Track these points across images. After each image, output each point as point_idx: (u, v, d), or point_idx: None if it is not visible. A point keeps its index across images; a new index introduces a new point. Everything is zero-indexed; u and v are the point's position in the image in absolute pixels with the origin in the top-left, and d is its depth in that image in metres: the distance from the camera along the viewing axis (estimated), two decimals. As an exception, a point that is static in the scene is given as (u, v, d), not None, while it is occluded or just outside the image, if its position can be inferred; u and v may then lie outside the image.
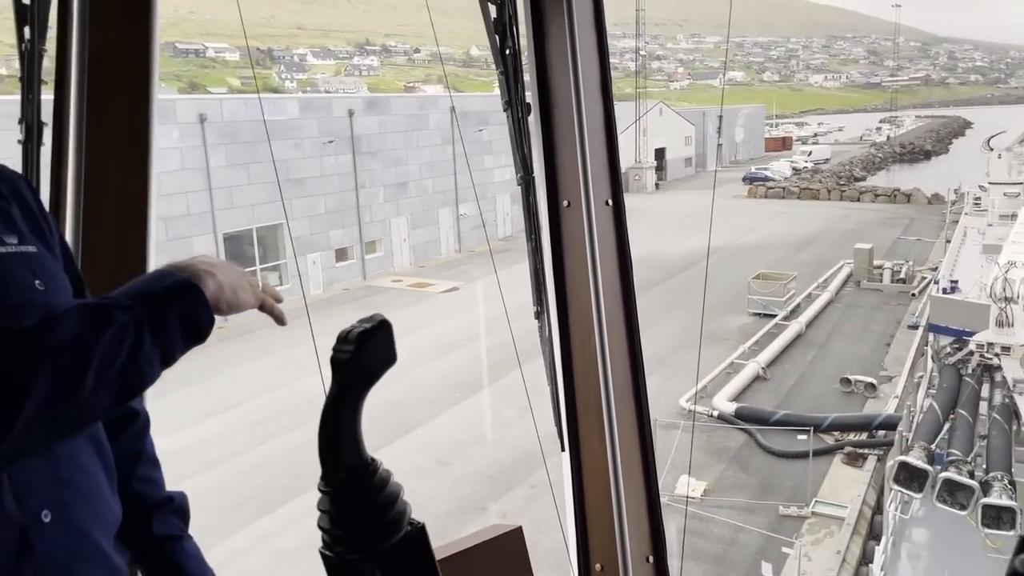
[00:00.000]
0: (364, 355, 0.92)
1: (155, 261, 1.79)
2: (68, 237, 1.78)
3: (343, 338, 0.93)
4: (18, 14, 1.86)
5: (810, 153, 67.02)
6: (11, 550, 1.01)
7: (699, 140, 62.68)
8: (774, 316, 22.63)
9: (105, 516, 1.17)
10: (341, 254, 29.73)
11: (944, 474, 10.32)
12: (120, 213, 1.80)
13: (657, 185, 52.70)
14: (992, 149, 20.88)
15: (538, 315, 2.56)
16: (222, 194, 24.62)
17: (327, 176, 28.78)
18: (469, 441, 15.45)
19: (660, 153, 56.08)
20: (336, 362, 0.92)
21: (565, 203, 2.41)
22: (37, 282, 1.11)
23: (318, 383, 1.08)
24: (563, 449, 2.24)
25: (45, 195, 1.62)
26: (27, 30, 1.86)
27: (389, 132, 31.22)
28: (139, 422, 1.36)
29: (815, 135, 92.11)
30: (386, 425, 14.78)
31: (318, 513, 0.96)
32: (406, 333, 16.19)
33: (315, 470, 0.92)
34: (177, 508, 1.36)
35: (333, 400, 0.91)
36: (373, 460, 0.94)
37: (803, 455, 14.35)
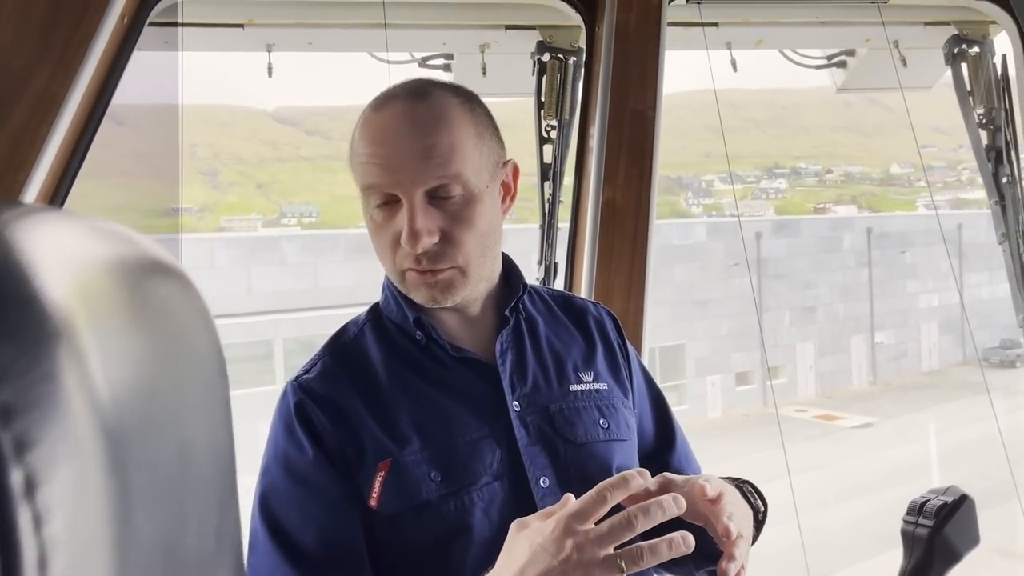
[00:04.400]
0: (945, 532, 0.84)
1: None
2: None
3: (917, 510, 0.87)
4: (542, 172, 2.22)
5: None
6: None
7: None
8: None
9: None
10: (742, 378, 29.10)
11: None
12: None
13: None
14: None
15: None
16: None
17: (732, 298, 28.76)
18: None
19: None
20: (910, 535, 0.86)
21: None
22: (602, 420, 1.17)
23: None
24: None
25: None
26: (547, 184, 2.21)
27: (797, 255, 30.33)
28: None
29: None
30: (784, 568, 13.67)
31: None
32: (808, 469, 15.06)
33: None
34: None
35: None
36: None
37: None
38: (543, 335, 1.22)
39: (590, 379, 1.20)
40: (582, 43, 2.22)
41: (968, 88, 2.49)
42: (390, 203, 1.06)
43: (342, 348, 1.18)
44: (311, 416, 1.08)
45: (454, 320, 1.17)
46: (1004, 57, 2.44)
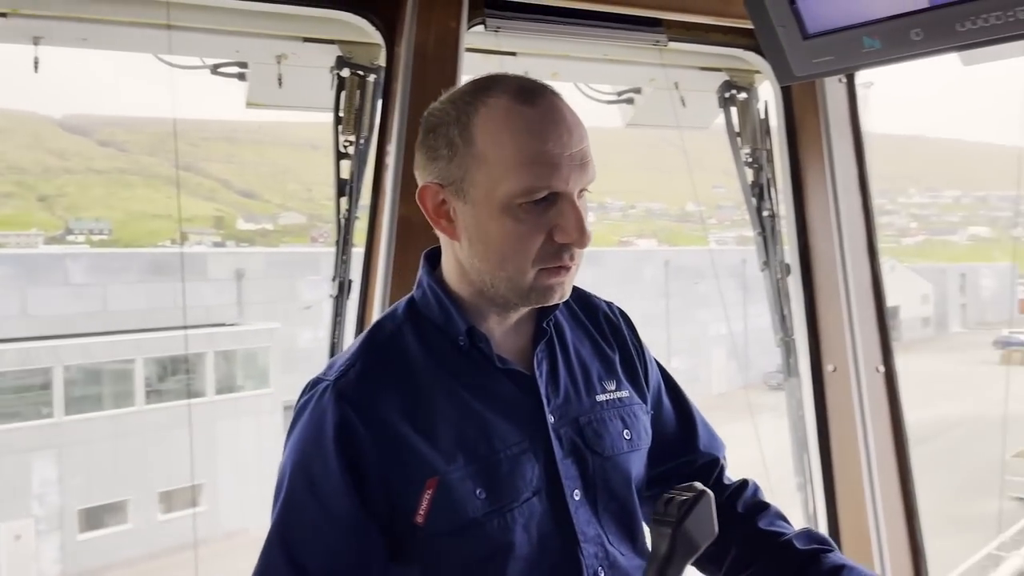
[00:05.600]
0: (686, 526, 0.91)
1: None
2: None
3: (663, 508, 0.93)
4: (339, 188, 2.18)
5: (1073, 319, 59.50)
6: None
7: (938, 299, 57.98)
8: (1039, 501, 19.55)
9: None
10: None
11: None
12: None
13: (889, 346, 48.89)
14: None
15: (801, 486, 2.40)
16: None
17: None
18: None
19: (893, 312, 52.47)
20: (657, 532, 0.91)
21: (831, 368, 2.30)
22: (625, 431, 1.22)
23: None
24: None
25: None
26: (343, 200, 2.17)
27: (603, 284, 31.89)
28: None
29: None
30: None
31: None
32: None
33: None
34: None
35: (659, 570, 0.89)
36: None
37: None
38: (571, 343, 1.24)
39: (613, 387, 1.23)
40: (382, 61, 2.22)
41: (737, 130, 2.75)
42: (542, 200, 1.06)
43: (380, 346, 1.15)
44: (353, 436, 1.05)
45: (499, 330, 1.17)
46: (766, 103, 2.72)
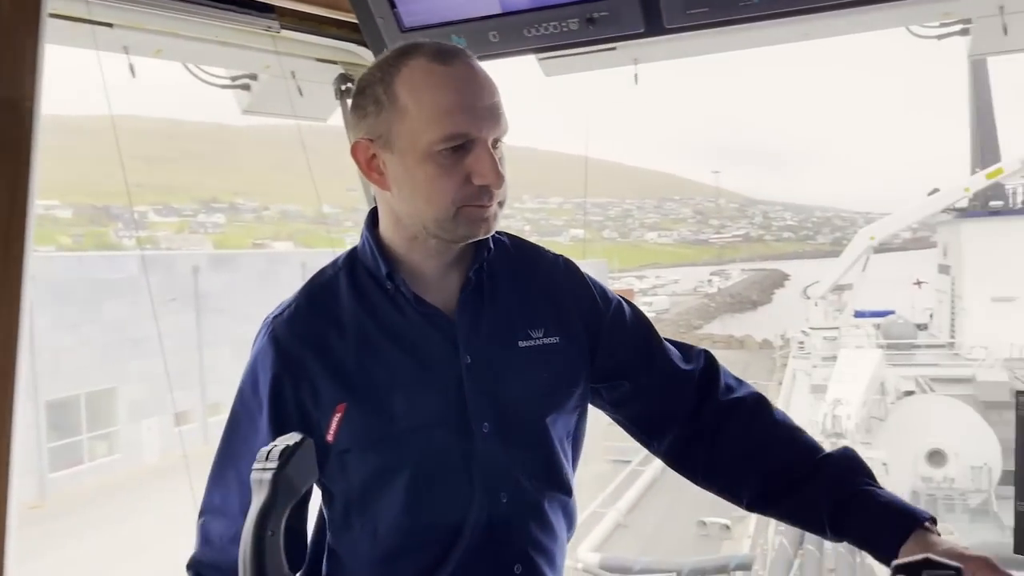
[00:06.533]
0: (288, 471, 0.95)
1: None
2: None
3: (264, 456, 0.96)
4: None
5: (651, 304, 71.34)
6: None
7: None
8: (630, 462, 23.11)
9: None
10: (182, 417, 27.93)
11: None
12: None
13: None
14: (809, 297, 23.13)
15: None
16: (47, 357, 22.84)
17: (170, 335, 27.46)
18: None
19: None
20: (259, 481, 0.94)
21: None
22: (545, 374, 1.33)
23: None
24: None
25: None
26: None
27: (238, 289, 30.53)
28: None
29: (654, 287, 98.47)
30: None
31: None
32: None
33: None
34: None
35: (261, 517, 0.92)
36: (294, 576, 0.94)
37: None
38: (504, 291, 1.35)
39: (540, 335, 1.34)
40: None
41: (355, 123, 2.85)
42: (459, 148, 1.20)
43: (316, 289, 1.34)
44: (277, 369, 1.26)
45: (432, 276, 1.31)
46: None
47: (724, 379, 1.43)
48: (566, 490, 1.40)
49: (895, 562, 0.92)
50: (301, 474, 0.96)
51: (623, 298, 1.48)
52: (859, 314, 23.12)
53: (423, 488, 1.25)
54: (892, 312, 24.75)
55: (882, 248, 22.99)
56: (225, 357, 29.62)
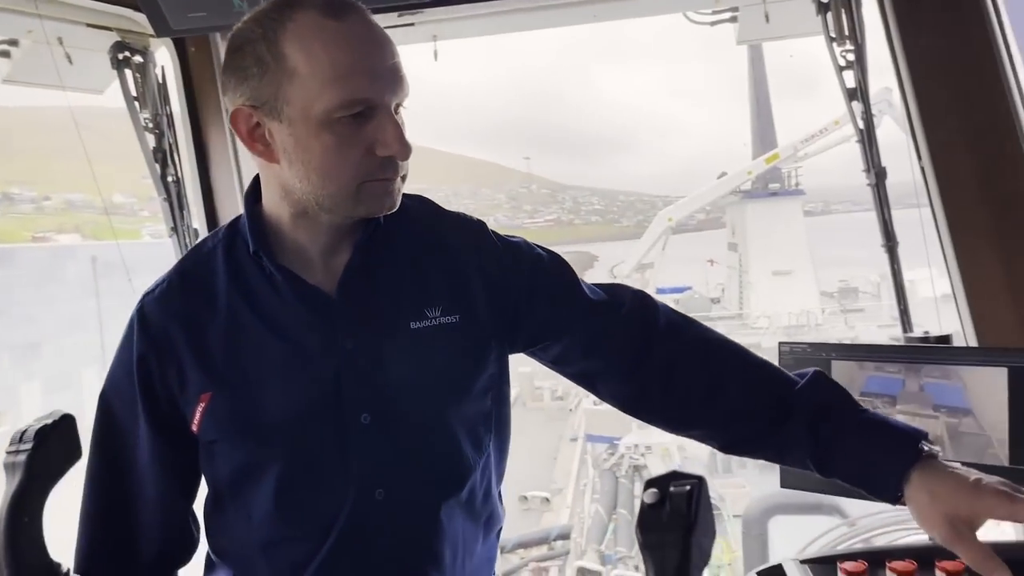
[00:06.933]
0: (45, 452, 0.88)
1: None
2: None
3: (18, 438, 0.88)
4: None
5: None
6: None
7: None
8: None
9: None
10: (-47, 433, 24.87)
11: (615, 572, 11.27)
12: None
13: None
14: (615, 277, 24.47)
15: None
16: None
17: (-68, 342, 24.33)
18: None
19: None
20: (11, 465, 0.87)
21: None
22: (439, 358, 1.19)
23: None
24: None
25: None
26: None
27: (15, 287, 27.55)
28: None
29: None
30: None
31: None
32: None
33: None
34: None
35: (14, 504, 0.84)
36: (58, 564, 0.88)
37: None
38: (399, 266, 1.20)
39: (437, 313, 1.19)
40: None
41: (135, 94, 2.66)
42: (360, 115, 1.05)
43: (190, 266, 1.21)
44: (143, 352, 1.15)
45: (318, 252, 1.17)
46: (163, 68, 2.68)
47: (664, 317, 1.30)
48: (473, 487, 1.26)
49: (648, 478, 0.85)
50: (62, 455, 0.88)
51: (543, 248, 1.34)
52: (660, 291, 24.73)
53: (295, 483, 1.15)
54: (690, 288, 26.69)
55: (679, 228, 24.70)
56: (4, 363, 26.67)
